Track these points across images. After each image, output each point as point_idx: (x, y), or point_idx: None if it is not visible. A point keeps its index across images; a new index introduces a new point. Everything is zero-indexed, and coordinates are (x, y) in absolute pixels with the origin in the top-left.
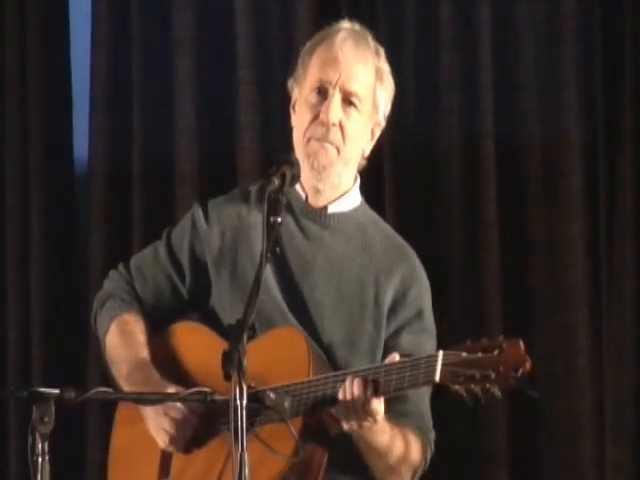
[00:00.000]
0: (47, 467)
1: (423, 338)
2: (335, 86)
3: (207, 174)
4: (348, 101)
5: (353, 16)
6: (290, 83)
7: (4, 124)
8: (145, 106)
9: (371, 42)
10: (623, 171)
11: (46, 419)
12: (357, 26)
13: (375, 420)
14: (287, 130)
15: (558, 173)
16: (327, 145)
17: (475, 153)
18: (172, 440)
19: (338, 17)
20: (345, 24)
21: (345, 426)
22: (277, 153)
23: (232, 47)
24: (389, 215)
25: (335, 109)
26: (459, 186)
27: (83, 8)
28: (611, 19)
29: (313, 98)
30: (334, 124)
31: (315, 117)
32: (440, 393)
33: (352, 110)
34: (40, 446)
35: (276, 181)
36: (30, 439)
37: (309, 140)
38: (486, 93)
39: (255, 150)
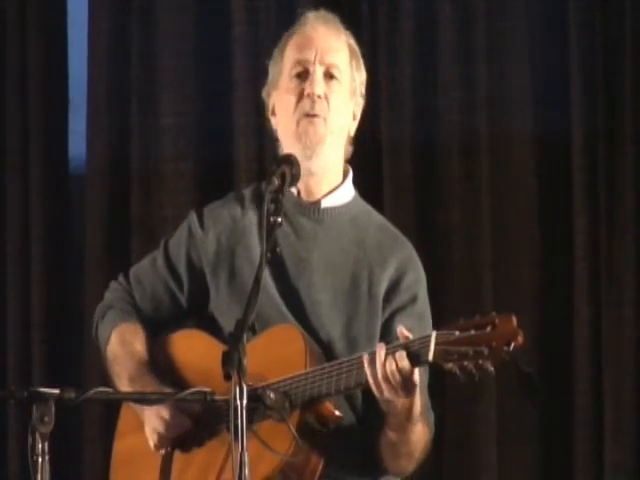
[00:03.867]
0: (47, 467)
1: (417, 322)
2: (314, 62)
3: (204, 174)
4: (329, 75)
5: (353, 16)
6: (264, 93)
7: (4, 124)
8: (143, 106)
9: (340, 24)
10: (623, 171)
11: (46, 419)
12: (323, 12)
13: (414, 386)
14: None
15: (558, 173)
16: (315, 120)
17: (472, 152)
18: (160, 440)
19: (338, 18)
20: (311, 13)
21: (386, 396)
22: (273, 153)
23: (229, 47)
24: (388, 213)
25: (319, 82)
26: (457, 185)
27: (81, 8)
28: (611, 19)
29: (293, 83)
30: (319, 96)
31: (300, 96)
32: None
33: (334, 82)
34: (40, 446)
35: (276, 181)
36: (30, 439)
37: (298, 121)
38: (484, 93)
39: (250, 150)
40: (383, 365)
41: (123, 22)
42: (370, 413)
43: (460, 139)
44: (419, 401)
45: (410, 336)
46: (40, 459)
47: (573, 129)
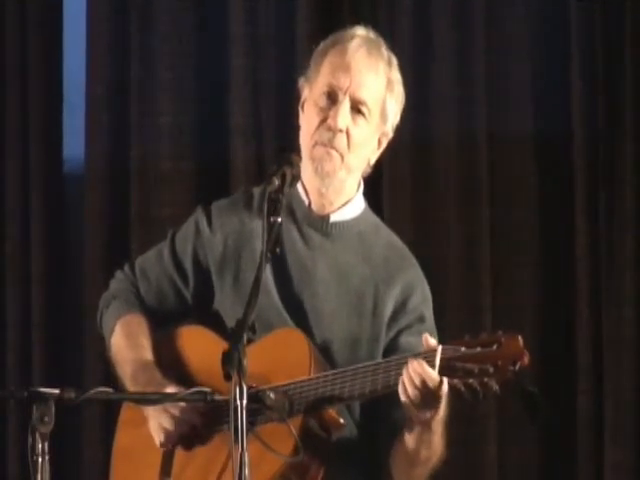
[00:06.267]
0: (47, 467)
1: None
2: (345, 93)
3: (203, 173)
4: (357, 109)
5: (352, 16)
6: (301, 82)
7: (3, 124)
8: (141, 106)
9: (384, 51)
10: (623, 171)
11: (46, 419)
12: (372, 34)
13: (440, 396)
14: (282, 131)
15: (558, 173)
16: (332, 152)
17: (472, 152)
18: (168, 437)
19: (337, 18)
20: (360, 31)
21: (416, 414)
22: (272, 153)
23: (228, 47)
24: (387, 213)
25: (343, 115)
26: (456, 185)
27: (79, 7)
28: (611, 19)
29: (322, 102)
30: (341, 130)
31: (323, 120)
32: None
33: (360, 118)
34: (40, 446)
35: (276, 181)
36: (30, 439)
37: (315, 144)
38: (484, 92)
39: (249, 150)
40: (418, 373)
41: (122, 21)
42: (380, 423)
43: (460, 139)
44: (442, 411)
45: (434, 342)
46: (40, 459)
47: (573, 129)
